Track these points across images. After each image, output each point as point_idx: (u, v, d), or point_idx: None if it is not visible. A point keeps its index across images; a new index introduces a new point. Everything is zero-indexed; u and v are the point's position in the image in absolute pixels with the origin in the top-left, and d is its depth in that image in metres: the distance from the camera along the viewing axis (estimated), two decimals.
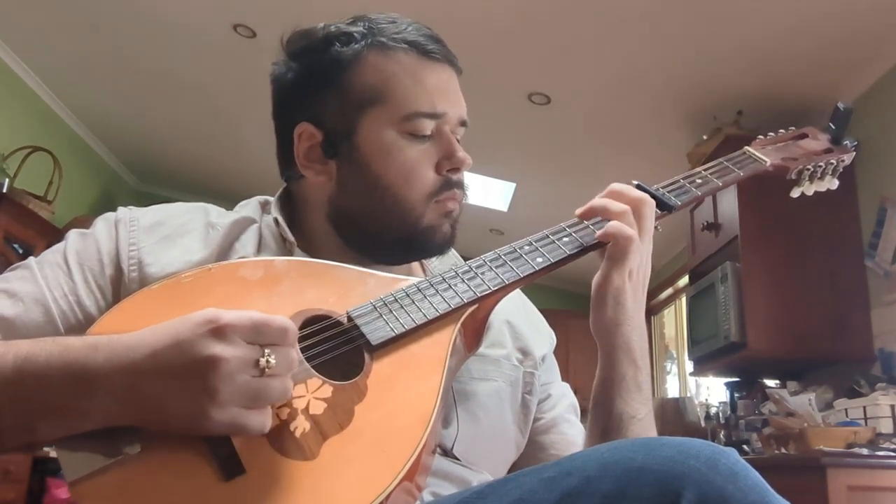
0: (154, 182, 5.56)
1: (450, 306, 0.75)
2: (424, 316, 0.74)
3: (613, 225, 0.82)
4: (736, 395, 3.51)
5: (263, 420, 0.60)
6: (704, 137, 3.36)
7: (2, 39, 3.76)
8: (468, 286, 0.77)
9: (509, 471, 0.90)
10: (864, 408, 2.51)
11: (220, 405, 0.58)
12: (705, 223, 3.39)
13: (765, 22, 2.82)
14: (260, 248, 0.86)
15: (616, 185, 0.86)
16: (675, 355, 5.44)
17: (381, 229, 0.85)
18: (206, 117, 4.35)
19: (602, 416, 0.81)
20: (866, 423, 2.45)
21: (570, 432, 0.93)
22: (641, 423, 0.79)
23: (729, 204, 3.20)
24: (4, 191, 3.55)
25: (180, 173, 5.32)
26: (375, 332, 0.72)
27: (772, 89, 3.18)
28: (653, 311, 5.80)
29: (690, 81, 3.30)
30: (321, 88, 0.85)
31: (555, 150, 4.15)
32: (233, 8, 3.24)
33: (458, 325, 0.76)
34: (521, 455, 0.92)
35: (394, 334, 0.72)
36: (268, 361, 0.59)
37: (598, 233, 0.82)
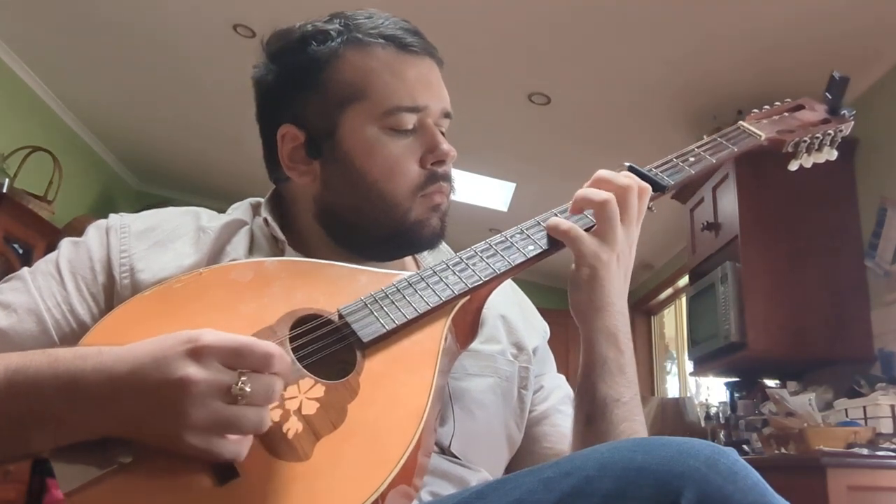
0: (154, 182, 5.56)
1: (441, 299, 0.75)
2: (415, 310, 0.73)
3: (552, 220, 0.82)
4: (736, 395, 3.51)
5: (237, 449, 0.58)
6: (704, 137, 3.36)
7: (1, 39, 3.76)
8: (459, 278, 0.77)
9: (506, 468, 0.89)
10: (864, 408, 2.51)
11: (191, 429, 0.56)
12: (705, 223, 3.39)
13: (764, 22, 2.82)
14: (252, 250, 0.85)
15: (602, 172, 0.85)
16: (675, 355, 5.44)
17: (369, 226, 0.84)
18: (207, 117, 4.35)
19: (586, 401, 0.80)
20: (866, 423, 2.44)
21: (562, 424, 0.91)
22: (626, 406, 0.78)
23: (729, 204, 3.20)
24: (4, 191, 3.54)
25: (180, 173, 5.32)
26: (366, 328, 0.71)
27: (771, 89, 3.17)
28: (653, 311, 5.80)
29: (690, 81, 3.29)
30: (301, 89, 0.85)
31: (555, 150, 4.15)
32: (233, 8, 3.24)
33: (450, 318, 0.75)
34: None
35: (385, 331, 0.71)
36: (241, 389, 0.57)
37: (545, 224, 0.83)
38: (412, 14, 0.90)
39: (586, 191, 0.83)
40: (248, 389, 0.57)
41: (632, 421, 0.77)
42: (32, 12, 3.47)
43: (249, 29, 3.33)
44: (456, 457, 0.81)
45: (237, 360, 0.58)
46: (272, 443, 0.62)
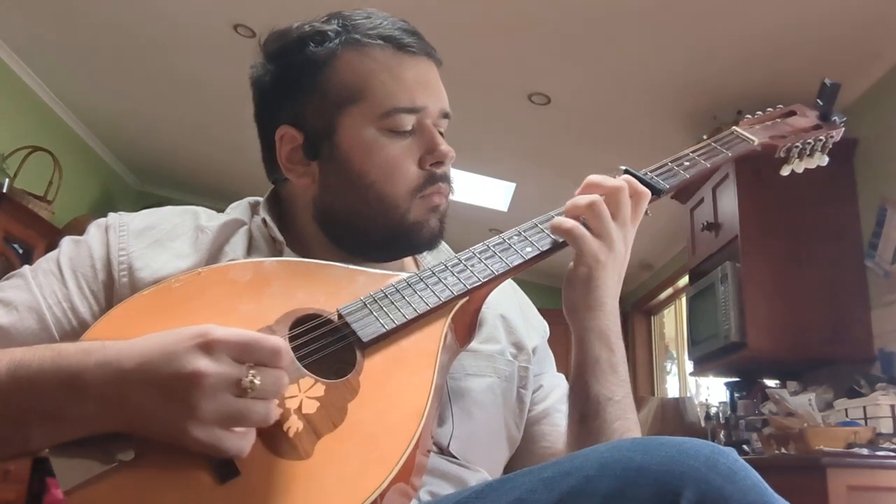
0: (154, 182, 5.56)
1: (440, 300, 0.75)
2: (415, 311, 0.74)
3: (556, 220, 0.82)
4: (736, 395, 3.51)
5: (242, 444, 0.59)
6: (704, 137, 3.36)
7: (1, 39, 3.76)
8: (458, 279, 0.77)
9: (505, 467, 0.89)
10: (864, 408, 2.51)
11: (199, 422, 0.57)
12: (705, 223, 3.39)
13: (764, 22, 2.83)
14: (250, 250, 0.85)
15: (592, 177, 0.85)
16: (675, 355, 5.44)
17: (368, 227, 0.84)
18: (207, 117, 4.35)
19: (579, 400, 0.80)
20: (866, 423, 2.44)
21: (561, 423, 0.91)
22: (619, 404, 0.78)
23: (729, 204, 3.20)
24: (4, 191, 3.55)
25: (180, 173, 5.32)
26: (366, 328, 0.72)
27: (771, 89, 3.17)
28: (653, 311, 5.80)
29: (690, 81, 3.30)
30: (299, 90, 0.85)
31: (555, 150, 4.15)
32: (233, 8, 3.24)
33: (449, 318, 0.75)
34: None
35: (384, 330, 0.72)
36: (251, 382, 0.58)
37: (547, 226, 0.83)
38: (411, 14, 0.90)
39: (574, 199, 0.83)
40: (257, 382, 0.58)
41: (625, 419, 0.78)
42: (32, 12, 3.47)
43: (249, 29, 3.33)
44: (454, 457, 0.81)
45: (246, 354, 0.59)
46: (273, 441, 0.62)
